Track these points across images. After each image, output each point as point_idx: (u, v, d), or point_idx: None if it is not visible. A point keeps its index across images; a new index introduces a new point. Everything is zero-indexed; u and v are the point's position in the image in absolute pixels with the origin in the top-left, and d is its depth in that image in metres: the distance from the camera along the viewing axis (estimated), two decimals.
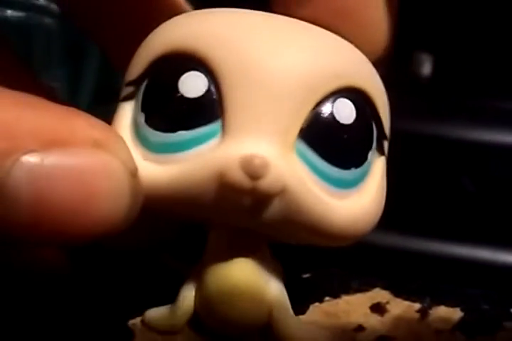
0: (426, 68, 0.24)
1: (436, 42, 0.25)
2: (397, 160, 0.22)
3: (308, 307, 0.16)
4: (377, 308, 0.16)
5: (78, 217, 0.11)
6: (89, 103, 0.30)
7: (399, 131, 0.22)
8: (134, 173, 0.12)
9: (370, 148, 0.13)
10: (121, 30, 0.16)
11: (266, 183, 0.12)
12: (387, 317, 0.16)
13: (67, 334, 0.14)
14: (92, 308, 0.15)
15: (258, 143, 0.12)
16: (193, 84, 0.12)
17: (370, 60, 0.14)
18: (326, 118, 0.12)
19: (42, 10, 0.28)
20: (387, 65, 0.27)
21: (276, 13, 0.14)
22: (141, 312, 0.14)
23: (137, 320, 0.14)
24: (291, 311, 0.14)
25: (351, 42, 0.14)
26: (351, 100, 0.13)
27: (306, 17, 0.13)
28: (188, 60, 0.13)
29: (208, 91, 0.12)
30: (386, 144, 0.14)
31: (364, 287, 0.17)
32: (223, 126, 0.12)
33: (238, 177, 0.11)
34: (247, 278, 0.13)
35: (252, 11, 0.13)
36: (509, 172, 0.20)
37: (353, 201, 0.13)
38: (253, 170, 0.11)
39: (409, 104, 0.22)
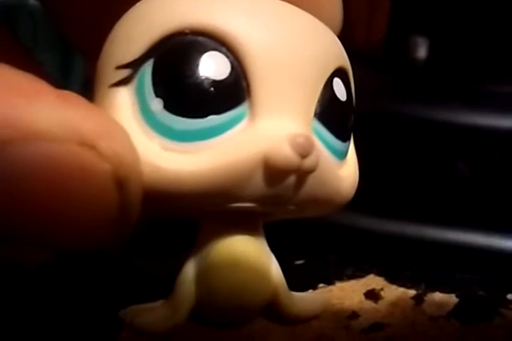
0: (422, 52, 0.24)
1: (432, 25, 0.24)
2: (393, 145, 0.21)
3: None
4: (372, 295, 0.16)
5: (48, 220, 0.09)
6: (81, 89, 0.29)
7: (394, 114, 0.21)
8: (122, 181, 0.10)
9: (353, 121, 0.14)
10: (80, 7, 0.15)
11: (311, 161, 0.12)
12: (382, 303, 0.15)
13: (56, 324, 0.14)
14: (81, 298, 0.15)
15: (293, 123, 0.12)
16: (216, 65, 0.12)
17: None
18: (331, 96, 0.13)
19: None
20: (382, 49, 0.26)
21: None
22: (131, 302, 0.13)
23: (128, 310, 0.13)
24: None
25: None
26: (341, 79, 0.13)
27: None
28: (207, 39, 0.12)
29: (233, 71, 0.12)
30: None
31: (358, 273, 0.17)
32: (251, 108, 0.12)
33: (291, 155, 0.11)
34: (252, 253, 0.13)
35: None
36: (506, 156, 0.20)
37: (346, 170, 0.14)
38: (303, 149, 0.11)
39: (405, 87, 0.22)
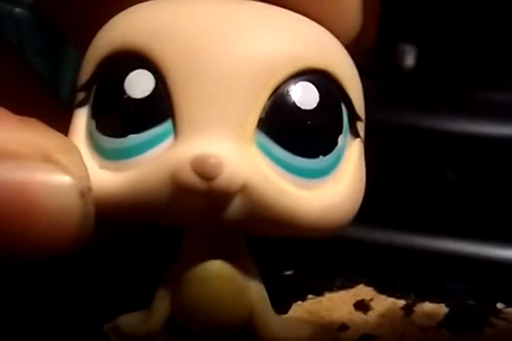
0: (409, 59, 0.24)
1: (419, 33, 0.24)
2: (380, 153, 0.21)
3: (290, 306, 0.15)
4: (361, 306, 0.16)
5: (15, 232, 0.10)
6: (70, 96, 0.29)
7: (382, 122, 0.21)
8: (84, 192, 0.11)
9: (339, 132, 0.12)
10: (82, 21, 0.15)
11: (222, 182, 0.11)
12: (371, 314, 0.15)
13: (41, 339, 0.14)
14: (66, 313, 0.15)
15: (211, 141, 0.11)
16: (139, 84, 0.12)
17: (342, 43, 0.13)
18: (285, 104, 0.12)
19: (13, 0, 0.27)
20: (370, 57, 0.26)
21: None
22: (114, 317, 0.14)
23: (111, 325, 0.13)
24: (272, 310, 0.14)
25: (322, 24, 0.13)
26: (313, 83, 0.12)
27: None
28: (132, 59, 0.12)
29: (156, 89, 0.12)
30: (361, 126, 0.13)
31: (348, 284, 0.17)
32: (175, 125, 0.12)
33: (190, 179, 0.11)
34: (225, 274, 0.13)
35: None
36: (494, 164, 0.20)
37: (327, 190, 0.12)
38: (205, 171, 0.11)
39: (392, 95, 0.22)
